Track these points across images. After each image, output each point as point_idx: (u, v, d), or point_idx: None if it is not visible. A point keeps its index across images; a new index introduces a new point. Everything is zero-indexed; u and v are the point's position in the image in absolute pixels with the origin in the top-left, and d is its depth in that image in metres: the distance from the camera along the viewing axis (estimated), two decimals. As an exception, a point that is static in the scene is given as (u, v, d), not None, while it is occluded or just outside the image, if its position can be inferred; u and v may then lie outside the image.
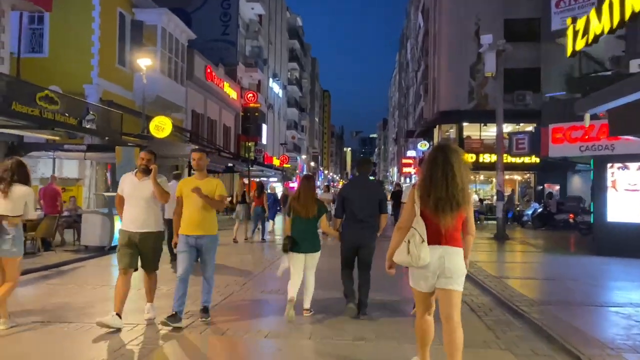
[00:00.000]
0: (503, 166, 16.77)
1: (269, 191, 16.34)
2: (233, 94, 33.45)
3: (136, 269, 5.47)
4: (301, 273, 5.80)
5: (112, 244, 11.47)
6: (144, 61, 14.07)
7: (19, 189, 5.14)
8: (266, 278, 8.92)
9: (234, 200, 15.17)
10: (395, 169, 77.14)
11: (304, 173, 67.07)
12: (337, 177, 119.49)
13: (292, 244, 5.72)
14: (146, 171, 5.43)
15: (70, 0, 18.13)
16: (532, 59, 27.10)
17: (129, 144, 13.15)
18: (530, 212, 22.66)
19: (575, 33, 8.55)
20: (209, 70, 28.25)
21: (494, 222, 22.91)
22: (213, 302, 5.99)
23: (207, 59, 28.83)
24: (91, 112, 10.21)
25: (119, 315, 5.20)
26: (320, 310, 6.11)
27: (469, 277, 7.99)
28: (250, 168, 27.82)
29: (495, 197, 21.82)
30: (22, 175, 5.19)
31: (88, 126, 10.35)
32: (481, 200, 26.42)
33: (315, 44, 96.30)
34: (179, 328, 5.27)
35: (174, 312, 5.29)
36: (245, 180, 38.77)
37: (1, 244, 5.02)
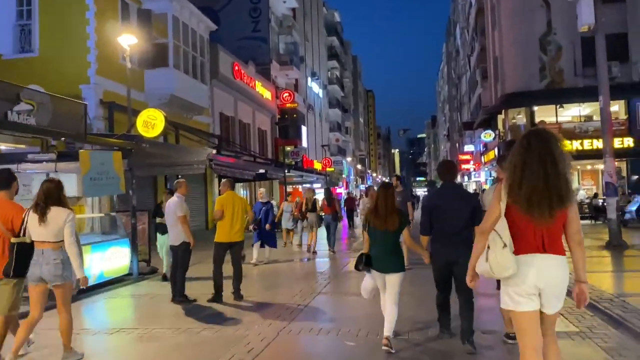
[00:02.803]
0: (612, 150, 12.58)
1: (259, 200, 12.46)
2: (267, 94, 30.31)
3: None
4: None
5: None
6: (127, 39, 10.89)
7: (57, 213, 4.72)
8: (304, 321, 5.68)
9: (303, 209, 14.42)
10: (449, 167, 71.97)
11: (348, 177, 63.28)
12: (386, 180, 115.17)
13: (369, 263, 5.05)
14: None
15: (60, -13, 15.43)
16: (616, 22, 22.38)
17: (114, 148, 9.94)
18: (634, 207, 18.17)
19: None
20: (236, 68, 25.20)
21: (586, 222, 18.70)
22: None
23: (239, 59, 25.89)
24: (25, 100, 7.07)
25: None
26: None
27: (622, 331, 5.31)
28: (287, 174, 24.40)
29: (586, 192, 17.51)
30: (58, 198, 4.79)
31: (19, 120, 7.19)
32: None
33: (354, 43, 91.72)
34: None
35: None
36: (290, 188, 35.60)
37: (49, 271, 4.64)
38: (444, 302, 5.14)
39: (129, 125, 10.74)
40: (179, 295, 7.36)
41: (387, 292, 5.03)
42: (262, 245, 11.70)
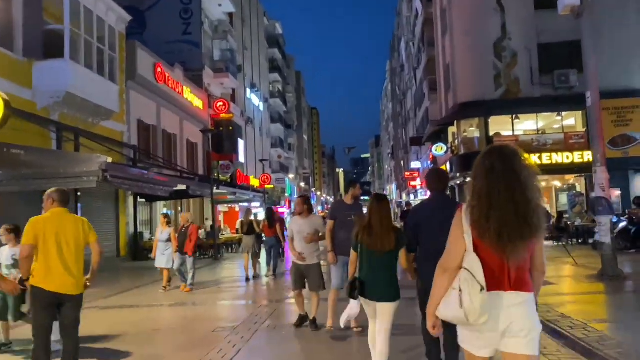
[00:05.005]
0: (605, 158, 10.36)
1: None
2: (198, 102, 27.12)
3: None
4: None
5: None
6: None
7: None
8: None
9: (241, 231, 13.17)
10: (394, 186, 70.81)
11: (301, 193, 60.25)
12: (331, 199, 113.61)
13: (361, 289, 4.37)
14: None
15: None
16: (575, 29, 21.00)
17: None
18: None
19: None
20: (159, 70, 21.93)
21: (547, 242, 16.79)
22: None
23: (164, 61, 22.70)
24: None
25: None
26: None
27: None
28: (217, 191, 21.17)
29: (572, 209, 15.63)
30: None
31: None
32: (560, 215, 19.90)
33: (297, 60, 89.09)
34: None
35: None
36: (222, 208, 32.13)
37: None
38: (436, 345, 4.40)
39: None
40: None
41: (378, 324, 4.38)
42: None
